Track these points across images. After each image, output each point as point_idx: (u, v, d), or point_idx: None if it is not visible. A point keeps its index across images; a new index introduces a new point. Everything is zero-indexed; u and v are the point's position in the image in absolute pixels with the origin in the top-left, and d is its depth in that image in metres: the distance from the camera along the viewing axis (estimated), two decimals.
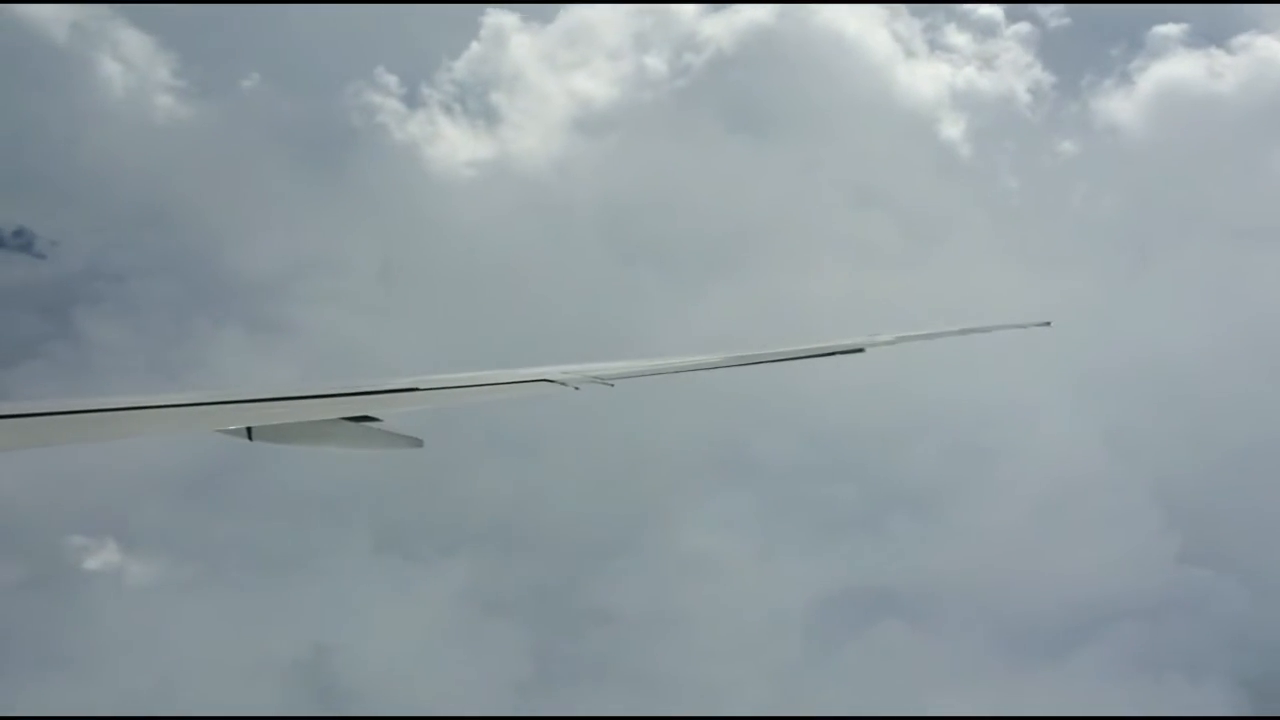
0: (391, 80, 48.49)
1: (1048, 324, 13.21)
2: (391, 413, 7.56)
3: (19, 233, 46.19)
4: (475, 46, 52.10)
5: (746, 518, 40.73)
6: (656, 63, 50.21)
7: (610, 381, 8.95)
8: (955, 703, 34.73)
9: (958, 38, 53.37)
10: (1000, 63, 51.76)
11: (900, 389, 38.89)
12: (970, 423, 41.87)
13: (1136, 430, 40.35)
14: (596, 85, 50.78)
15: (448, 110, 49.41)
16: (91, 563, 36.29)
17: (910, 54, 51.98)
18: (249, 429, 7.08)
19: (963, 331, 12.42)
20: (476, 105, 49.74)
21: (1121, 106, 51.10)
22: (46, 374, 41.64)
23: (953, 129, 49.75)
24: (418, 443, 7.64)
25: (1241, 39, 50.63)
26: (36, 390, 40.45)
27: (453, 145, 48.90)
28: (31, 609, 35.63)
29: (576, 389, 8.66)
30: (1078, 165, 48.41)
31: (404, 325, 44.81)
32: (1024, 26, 53.75)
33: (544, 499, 40.23)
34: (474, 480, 38.65)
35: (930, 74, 50.23)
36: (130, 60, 48.30)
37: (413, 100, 48.95)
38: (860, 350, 11.00)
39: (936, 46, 53.26)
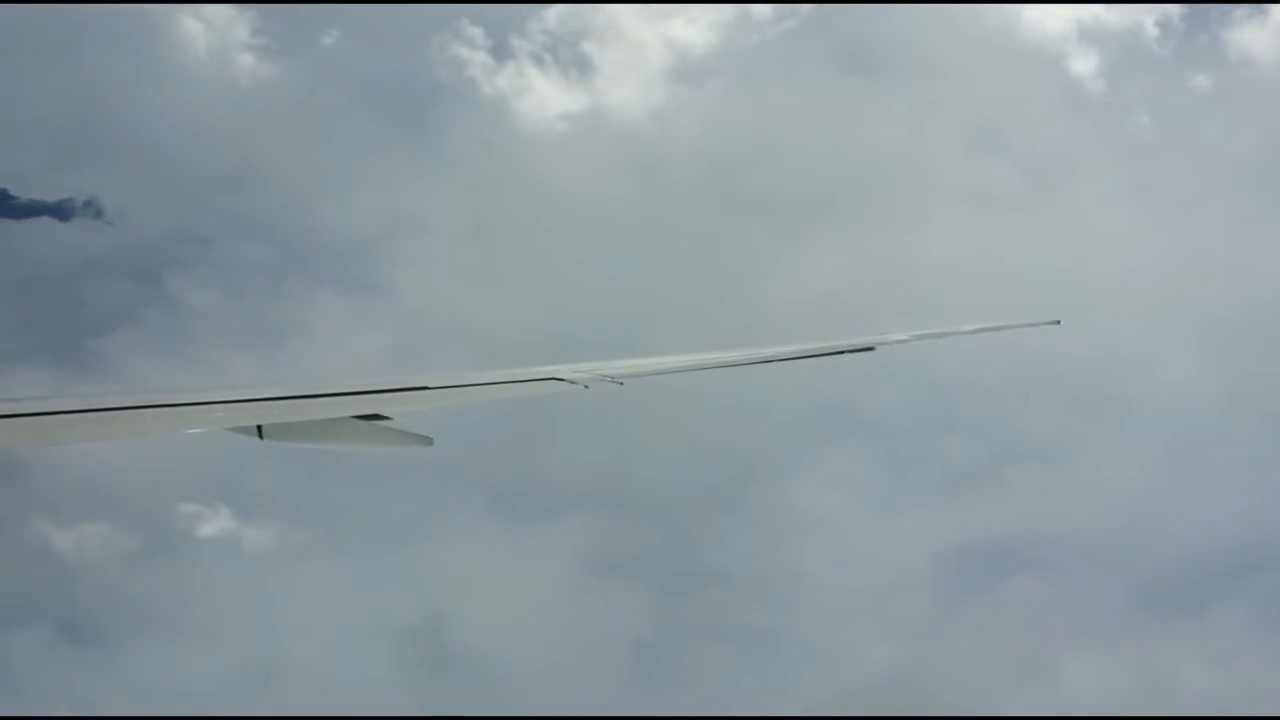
0: (477, 33, 47.21)
1: (1057, 322, 13.52)
2: (402, 411, 7.60)
3: (89, 202, 45.51)
4: None
5: (859, 474, 39.91)
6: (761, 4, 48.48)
7: (620, 380, 9.00)
8: (1095, 661, 33.98)
9: None
10: None
11: (1013, 340, 37.69)
12: (1090, 374, 40.68)
13: (1269, 376, 39.04)
14: (695, 30, 49.09)
15: (538, 62, 48.03)
16: (206, 529, 36.11)
17: None
18: (259, 427, 7.12)
19: (975, 330, 12.88)
20: (568, 55, 48.24)
21: (1255, 37, 48.65)
22: (144, 340, 41.22)
23: (1082, 65, 47.56)
24: (428, 441, 7.75)
25: None
26: (139, 357, 40.14)
27: (543, 98, 47.57)
28: (148, 577, 35.58)
29: (586, 387, 8.72)
30: (1211, 101, 46.46)
31: (498, 285, 44.07)
32: None
33: (648, 461, 39.56)
34: (574, 446, 38.03)
35: (1055, 8, 48.11)
36: (210, 19, 47.40)
37: (501, 52, 47.64)
38: (870, 349, 11.08)
39: None
